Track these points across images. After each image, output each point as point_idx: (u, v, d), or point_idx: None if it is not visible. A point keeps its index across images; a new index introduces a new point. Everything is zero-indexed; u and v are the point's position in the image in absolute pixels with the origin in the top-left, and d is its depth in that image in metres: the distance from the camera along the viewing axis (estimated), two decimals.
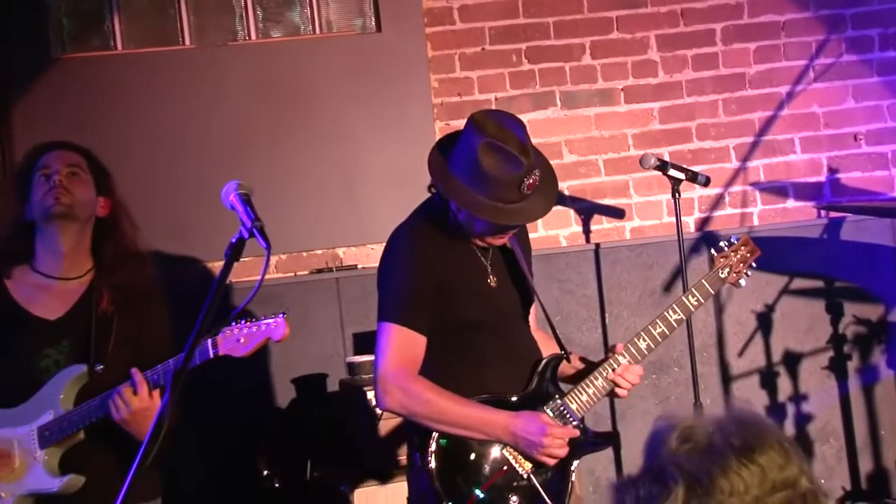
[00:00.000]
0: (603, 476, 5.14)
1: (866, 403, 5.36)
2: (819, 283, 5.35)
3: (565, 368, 3.46)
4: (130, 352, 3.38)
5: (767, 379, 5.31)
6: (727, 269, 3.54)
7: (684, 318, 3.45)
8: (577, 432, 3.27)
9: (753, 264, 3.60)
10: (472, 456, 3.23)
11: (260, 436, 4.78)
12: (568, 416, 3.31)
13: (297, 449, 4.67)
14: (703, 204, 5.38)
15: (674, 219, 4.67)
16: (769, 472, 1.41)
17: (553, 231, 5.27)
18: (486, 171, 3.13)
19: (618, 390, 3.38)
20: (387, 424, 4.23)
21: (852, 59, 5.45)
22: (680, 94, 5.36)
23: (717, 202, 5.38)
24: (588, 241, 5.29)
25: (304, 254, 5.10)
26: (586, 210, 5.29)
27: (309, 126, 5.07)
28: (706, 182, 4.71)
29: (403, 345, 3.22)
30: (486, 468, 3.23)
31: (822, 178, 5.44)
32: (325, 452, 4.64)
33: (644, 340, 3.40)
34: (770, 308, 5.31)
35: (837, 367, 5.34)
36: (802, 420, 5.30)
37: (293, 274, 5.07)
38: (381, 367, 3.21)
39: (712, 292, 3.51)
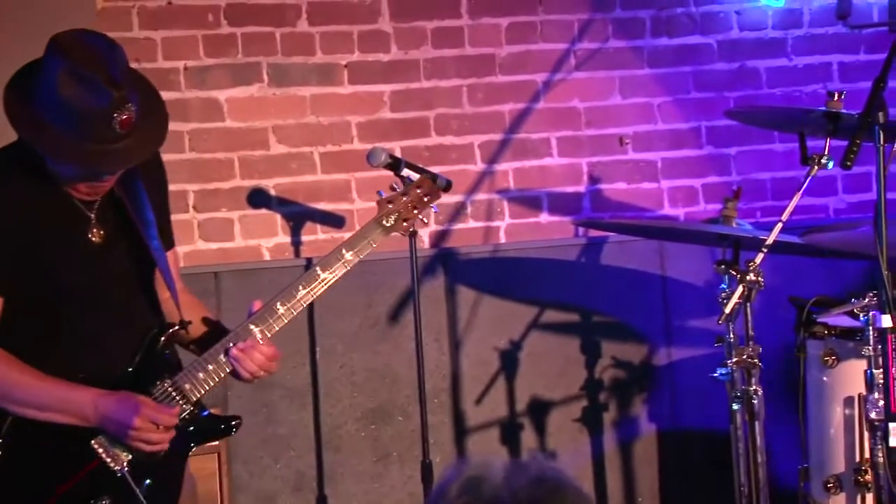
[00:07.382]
0: None
1: (623, 465, 5.68)
2: (575, 317, 5.63)
3: (196, 339, 3.66)
4: None
5: (509, 432, 5.53)
6: (394, 217, 3.75)
7: (337, 276, 3.64)
8: (175, 415, 3.41)
9: (434, 207, 3.83)
10: (49, 447, 3.34)
11: None
12: (177, 397, 3.46)
13: None
14: (439, 214, 5.50)
15: None
16: None
17: (253, 240, 5.30)
18: (68, 104, 3.23)
19: (240, 371, 3.54)
20: None
21: (620, 45, 5.72)
22: (417, 75, 5.50)
23: (458, 213, 5.56)
24: (298, 255, 5.34)
25: None
26: (297, 216, 5.35)
27: None
28: (447, 186, 4.82)
29: None
30: (67, 463, 3.34)
31: (582, 187, 5.69)
32: None
33: (284, 305, 3.57)
34: (516, 345, 5.54)
35: (591, 420, 5.64)
36: None
37: None
38: None
39: (374, 245, 3.71)
